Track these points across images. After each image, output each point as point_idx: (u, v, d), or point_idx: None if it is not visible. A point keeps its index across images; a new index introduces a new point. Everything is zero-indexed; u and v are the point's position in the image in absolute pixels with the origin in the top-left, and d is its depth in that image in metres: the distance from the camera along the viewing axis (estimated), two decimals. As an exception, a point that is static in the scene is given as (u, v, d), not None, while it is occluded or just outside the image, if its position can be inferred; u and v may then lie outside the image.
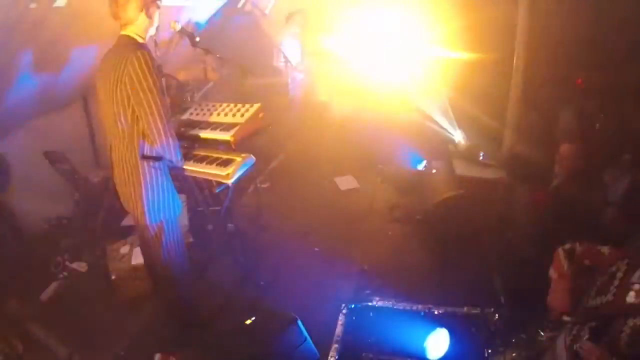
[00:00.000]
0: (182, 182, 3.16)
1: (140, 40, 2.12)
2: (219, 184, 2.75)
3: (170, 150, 2.17)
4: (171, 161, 2.23)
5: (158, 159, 2.18)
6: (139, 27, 2.11)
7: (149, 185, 2.18)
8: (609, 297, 1.62)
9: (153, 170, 2.18)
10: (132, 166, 2.15)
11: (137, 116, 2.05)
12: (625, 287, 1.59)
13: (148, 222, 2.24)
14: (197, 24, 5.00)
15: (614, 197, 2.60)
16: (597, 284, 1.72)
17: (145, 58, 2.00)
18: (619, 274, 1.65)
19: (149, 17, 2.12)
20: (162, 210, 2.26)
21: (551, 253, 2.03)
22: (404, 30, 5.48)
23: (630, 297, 1.54)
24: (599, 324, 1.59)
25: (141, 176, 2.15)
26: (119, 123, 2.09)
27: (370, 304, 2.62)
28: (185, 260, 2.51)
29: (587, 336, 1.54)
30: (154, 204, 2.22)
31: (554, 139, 3.08)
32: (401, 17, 5.43)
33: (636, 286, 1.55)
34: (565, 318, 1.83)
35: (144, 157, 2.14)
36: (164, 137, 2.11)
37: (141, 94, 2.00)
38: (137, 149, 2.11)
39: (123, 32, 2.11)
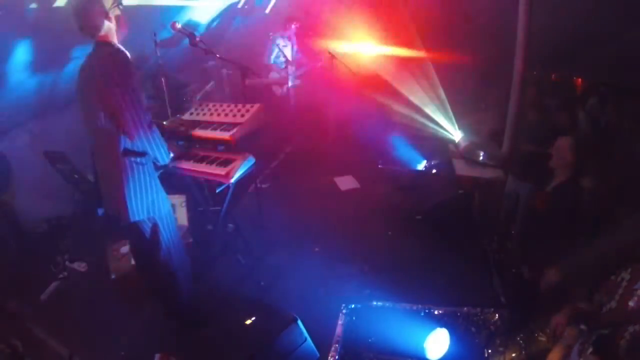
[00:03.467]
0: (182, 182, 3.16)
1: (114, 42, 2.14)
2: (219, 183, 2.75)
3: (151, 144, 2.16)
4: (157, 159, 2.23)
5: (141, 154, 2.18)
6: (107, 33, 2.12)
7: (130, 179, 2.16)
8: (612, 304, 1.65)
9: (135, 164, 2.17)
10: (112, 162, 2.14)
11: (113, 112, 2.06)
12: (629, 294, 1.60)
13: (131, 219, 2.21)
14: (198, 25, 5.01)
15: None
16: (605, 295, 1.73)
17: (115, 55, 2.05)
18: (624, 283, 1.67)
19: (115, 21, 2.13)
20: (146, 206, 2.23)
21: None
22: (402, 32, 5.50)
23: (633, 302, 1.56)
24: (603, 332, 1.59)
25: (122, 171, 2.14)
26: (97, 120, 2.10)
27: (370, 303, 2.62)
28: (185, 256, 2.52)
29: (590, 349, 1.54)
30: (136, 198, 2.19)
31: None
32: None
33: (639, 292, 1.56)
34: (582, 327, 1.82)
35: (126, 152, 2.13)
36: (140, 130, 2.10)
37: (116, 89, 2.01)
38: (117, 144, 2.11)
39: (96, 39, 2.12)
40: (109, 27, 2.11)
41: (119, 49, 2.09)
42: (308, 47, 5.84)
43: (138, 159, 2.17)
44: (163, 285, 2.49)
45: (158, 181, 2.31)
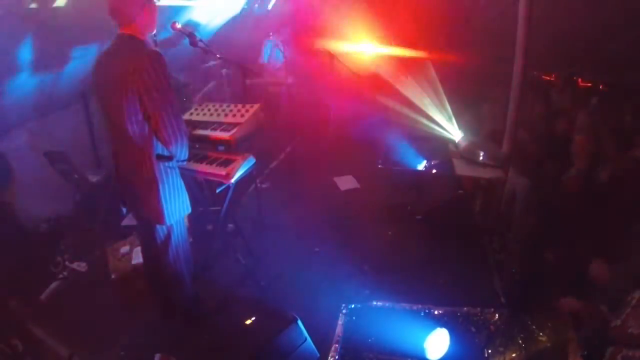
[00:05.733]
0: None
1: (142, 38, 2.05)
2: (219, 184, 2.75)
3: (183, 148, 2.16)
4: (178, 160, 2.22)
5: (171, 158, 2.16)
6: (139, 25, 2.03)
7: (167, 186, 2.15)
8: (618, 322, 1.64)
9: (169, 170, 2.16)
10: (146, 167, 2.10)
11: (149, 116, 2.01)
12: (634, 316, 1.60)
13: (166, 223, 2.21)
14: (198, 25, 5.00)
15: None
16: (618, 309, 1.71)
17: (157, 58, 1.96)
18: (633, 302, 1.66)
19: (149, 14, 2.05)
20: (178, 210, 2.25)
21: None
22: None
23: (633, 324, 1.55)
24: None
25: (157, 177, 2.11)
26: (128, 124, 2.02)
27: (370, 303, 2.62)
28: (191, 259, 2.53)
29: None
30: (171, 202, 2.19)
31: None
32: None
33: None
34: (602, 307, 1.83)
35: (159, 157, 2.11)
36: (178, 136, 2.09)
37: (155, 94, 1.96)
38: (151, 149, 2.07)
39: (123, 31, 2.03)
40: (143, 21, 2.02)
41: (157, 51, 2.00)
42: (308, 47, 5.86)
43: (171, 163, 2.16)
44: (169, 285, 2.49)
45: (183, 182, 2.31)
